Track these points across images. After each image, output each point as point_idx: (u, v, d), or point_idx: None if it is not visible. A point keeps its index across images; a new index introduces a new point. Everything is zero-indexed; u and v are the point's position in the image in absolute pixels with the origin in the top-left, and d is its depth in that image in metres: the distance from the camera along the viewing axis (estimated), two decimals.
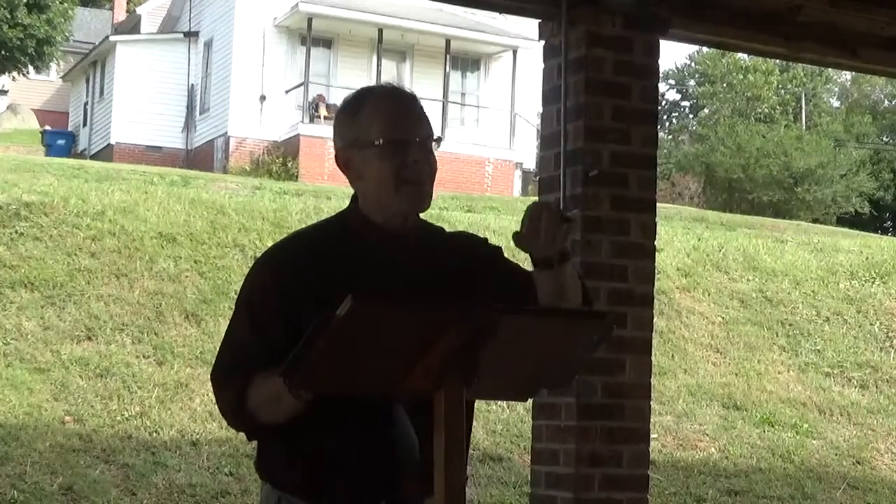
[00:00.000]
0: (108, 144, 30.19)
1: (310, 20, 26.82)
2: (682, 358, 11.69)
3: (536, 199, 5.65)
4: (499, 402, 9.90)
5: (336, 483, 2.51)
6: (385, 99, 2.59)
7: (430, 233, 2.68)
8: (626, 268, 5.28)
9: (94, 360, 9.62)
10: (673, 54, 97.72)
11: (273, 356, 2.42)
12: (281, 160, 26.16)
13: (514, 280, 2.66)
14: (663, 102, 54.19)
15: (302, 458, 2.54)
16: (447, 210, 15.67)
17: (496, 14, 23.23)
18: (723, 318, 12.61)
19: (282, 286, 2.52)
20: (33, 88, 39.61)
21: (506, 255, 2.76)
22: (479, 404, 9.79)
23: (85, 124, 33.54)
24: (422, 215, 2.65)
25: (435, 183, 2.62)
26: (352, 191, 2.68)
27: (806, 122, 49.69)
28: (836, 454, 10.70)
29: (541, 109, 5.63)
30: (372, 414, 2.49)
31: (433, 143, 2.59)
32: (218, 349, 2.63)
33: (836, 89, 55.52)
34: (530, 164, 27.60)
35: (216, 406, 2.65)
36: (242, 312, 2.58)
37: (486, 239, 2.78)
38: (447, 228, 2.76)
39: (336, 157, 2.62)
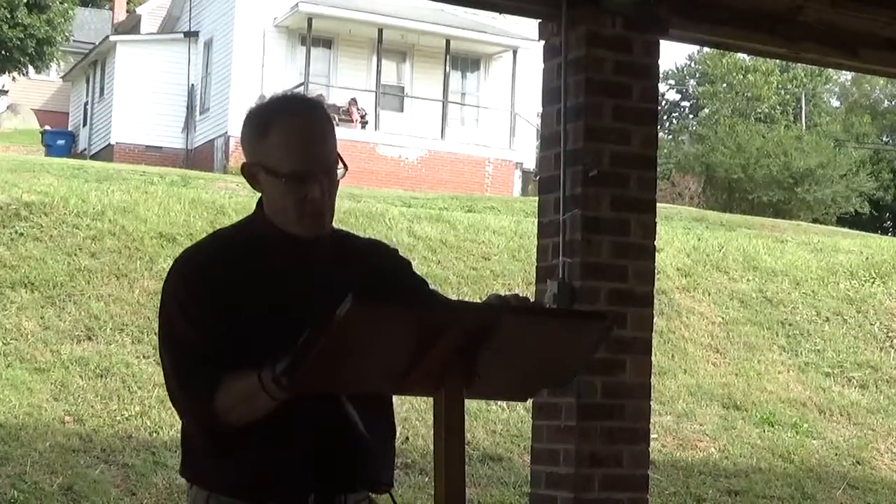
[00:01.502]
0: (108, 144, 30.17)
1: (310, 20, 26.81)
2: (682, 358, 11.69)
3: (537, 199, 5.64)
4: (499, 402, 9.90)
5: (266, 478, 2.51)
6: (293, 127, 2.57)
7: (341, 238, 2.73)
8: (627, 268, 5.28)
9: (94, 360, 9.62)
10: (673, 54, 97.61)
11: (217, 349, 2.47)
12: None
13: (419, 295, 2.70)
14: (663, 102, 54.14)
15: (230, 456, 2.52)
16: (447, 210, 15.62)
17: (496, 14, 23.21)
18: (723, 318, 12.61)
19: (203, 284, 2.54)
20: (33, 88, 39.61)
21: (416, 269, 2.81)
22: (480, 404, 9.83)
23: (85, 124, 33.52)
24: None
25: (336, 204, 2.66)
26: None
27: (806, 123, 49.66)
28: (836, 454, 10.70)
29: (541, 109, 5.63)
30: (305, 408, 2.46)
31: (339, 170, 2.60)
32: (161, 353, 2.63)
33: (836, 89, 55.50)
34: (530, 164, 27.59)
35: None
36: (174, 313, 2.57)
37: (396, 250, 2.84)
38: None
39: (242, 168, 2.65)
